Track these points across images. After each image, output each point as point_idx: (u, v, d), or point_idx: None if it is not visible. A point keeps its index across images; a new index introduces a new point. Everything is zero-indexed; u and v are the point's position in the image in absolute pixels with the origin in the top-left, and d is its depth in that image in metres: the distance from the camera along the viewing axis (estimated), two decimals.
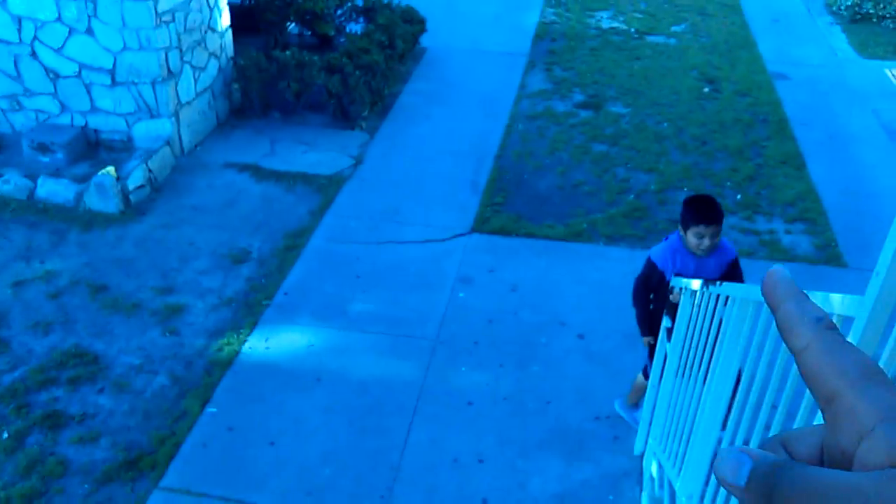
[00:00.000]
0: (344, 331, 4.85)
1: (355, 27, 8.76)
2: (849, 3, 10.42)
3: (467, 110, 7.83)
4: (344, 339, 4.80)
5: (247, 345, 4.68)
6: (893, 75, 8.72)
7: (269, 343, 4.71)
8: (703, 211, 3.36)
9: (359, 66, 7.27)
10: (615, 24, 10.11)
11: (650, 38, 9.69)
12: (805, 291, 0.40)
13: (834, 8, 10.69)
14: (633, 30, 9.95)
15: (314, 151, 6.93)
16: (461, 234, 5.90)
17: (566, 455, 3.99)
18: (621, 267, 5.56)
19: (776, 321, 0.40)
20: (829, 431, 0.36)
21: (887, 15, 10.11)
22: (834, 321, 0.38)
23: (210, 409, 4.22)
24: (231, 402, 4.29)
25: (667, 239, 3.66)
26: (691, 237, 3.40)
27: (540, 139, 7.30)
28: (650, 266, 3.61)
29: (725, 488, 0.35)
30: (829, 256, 5.63)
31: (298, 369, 4.53)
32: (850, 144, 7.27)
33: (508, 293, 5.23)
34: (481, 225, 6.00)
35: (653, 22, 10.21)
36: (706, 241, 3.35)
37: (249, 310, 4.97)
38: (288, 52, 7.18)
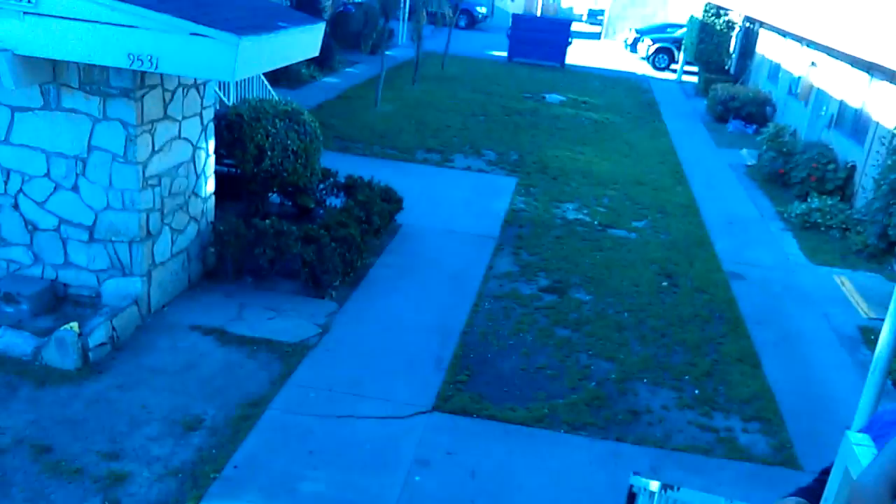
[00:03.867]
0: None
1: (335, 201, 9.15)
2: (798, 212, 11.18)
3: (436, 286, 8.03)
4: None
5: None
6: (841, 282, 9.20)
7: None
8: None
9: (335, 238, 7.51)
10: (580, 216, 10.67)
11: (612, 231, 10.21)
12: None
13: (785, 215, 11.44)
14: (596, 222, 10.50)
15: (282, 318, 6.98)
16: (422, 412, 5.84)
17: None
18: (582, 456, 5.51)
19: None
20: None
21: (833, 225, 10.84)
22: None
23: None
24: None
25: None
26: None
27: (505, 319, 7.46)
28: None
29: None
30: (784, 458, 5.65)
31: None
32: (803, 346, 7.52)
33: (467, 479, 5.11)
34: (443, 403, 5.97)
35: (615, 216, 10.81)
36: None
37: (195, 482, 4.77)
38: (267, 221, 7.42)
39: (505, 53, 25.28)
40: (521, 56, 24.70)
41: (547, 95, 19.38)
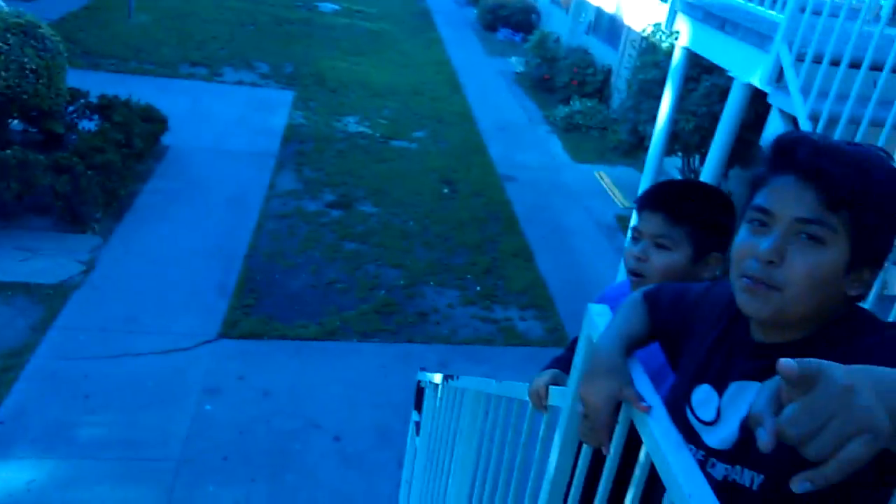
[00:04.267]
0: (72, 460, 4.32)
1: (89, 125, 8.23)
2: (562, 115, 11.93)
3: (214, 210, 7.63)
4: (72, 469, 4.26)
5: None
6: (601, 177, 10.06)
7: None
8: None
9: (91, 165, 6.80)
10: (361, 129, 10.58)
11: (394, 143, 10.27)
12: None
13: (551, 119, 12.17)
14: (378, 134, 10.48)
15: (38, 258, 6.28)
16: (207, 341, 5.62)
17: None
18: (374, 362, 5.65)
19: None
20: None
21: (593, 126, 11.73)
22: None
23: None
24: None
25: None
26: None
27: (291, 238, 7.30)
28: None
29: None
30: (557, 339, 6.20)
31: None
32: (569, 238, 8.18)
33: (260, 400, 5.04)
34: (230, 329, 5.78)
35: (396, 128, 10.85)
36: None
37: None
38: (9, 151, 6.52)
39: None
40: None
41: (320, 4, 18.68)
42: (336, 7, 18.74)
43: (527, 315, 6.52)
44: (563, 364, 1.89)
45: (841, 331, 1.04)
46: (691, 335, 1.25)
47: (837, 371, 0.66)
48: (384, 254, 7.23)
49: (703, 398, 1.17)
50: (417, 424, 3.54)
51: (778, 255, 1.02)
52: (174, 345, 5.50)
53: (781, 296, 1.02)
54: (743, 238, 1.08)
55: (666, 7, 8.59)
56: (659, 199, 1.67)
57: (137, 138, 7.76)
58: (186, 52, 12.83)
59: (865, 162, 1.00)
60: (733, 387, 1.12)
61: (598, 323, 1.36)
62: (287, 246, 7.14)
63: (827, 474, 0.64)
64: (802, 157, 1.03)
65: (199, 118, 9.97)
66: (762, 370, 1.07)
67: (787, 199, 1.03)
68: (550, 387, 1.66)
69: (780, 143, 1.07)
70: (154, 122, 8.40)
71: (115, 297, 5.95)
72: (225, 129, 9.81)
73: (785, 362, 0.66)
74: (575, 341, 2.15)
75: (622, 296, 1.76)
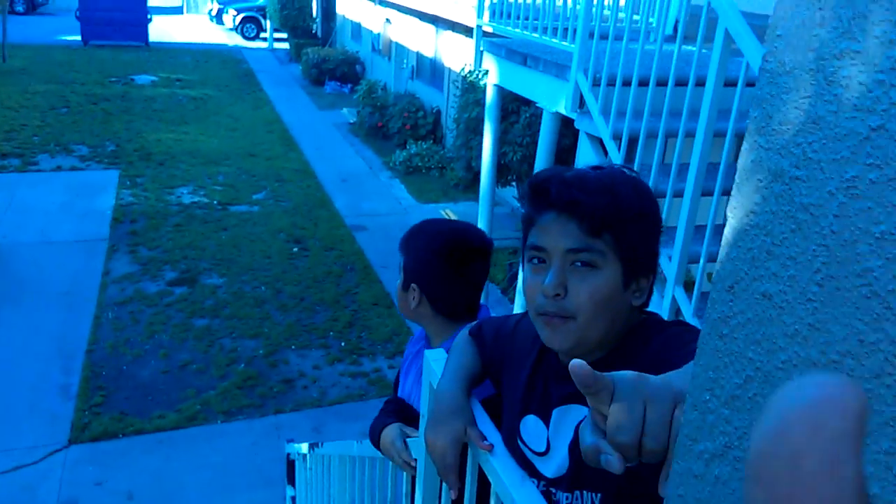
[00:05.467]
0: None
1: None
2: (401, 160, 12.16)
3: (45, 308, 7.07)
4: None
5: None
6: (447, 214, 10.30)
7: None
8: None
9: None
10: (196, 199, 10.25)
11: (233, 208, 10.02)
12: None
13: (390, 164, 12.36)
14: (215, 202, 10.19)
15: None
16: (57, 450, 5.17)
17: None
18: (244, 440, 5.41)
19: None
20: None
21: (432, 166, 12.03)
22: None
23: None
24: None
25: None
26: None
27: (135, 325, 6.89)
28: None
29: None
30: None
31: None
32: None
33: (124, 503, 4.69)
34: (80, 433, 5.35)
35: (234, 192, 10.60)
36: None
37: None
38: None
39: (79, 37, 22.77)
40: (98, 38, 22.48)
41: (136, 77, 18.03)
42: (153, 78, 18.17)
43: (395, 363, 6.50)
44: (393, 416, 1.92)
45: (636, 339, 1.13)
46: (511, 366, 1.31)
47: (621, 371, 0.71)
48: (238, 325, 6.99)
49: (532, 429, 1.22)
50: (293, 500, 3.42)
51: (561, 287, 1.10)
52: (19, 460, 5.01)
53: (577, 323, 1.10)
54: (527, 277, 1.15)
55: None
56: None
57: None
58: None
59: (611, 185, 1.11)
60: (556, 413, 1.18)
61: (436, 369, 1.40)
62: (131, 333, 6.74)
63: (671, 459, 0.65)
64: (555, 194, 1.11)
65: (16, 211, 9.28)
66: (577, 392, 1.14)
67: (554, 234, 1.11)
68: (408, 440, 1.67)
69: (534, 185, 1.16)
70: None
71: None
72: (47, 219, 9.18)
73: (575, 363, 0.68)
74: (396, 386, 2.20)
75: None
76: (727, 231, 0.50)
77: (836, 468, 0.28)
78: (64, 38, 23.74)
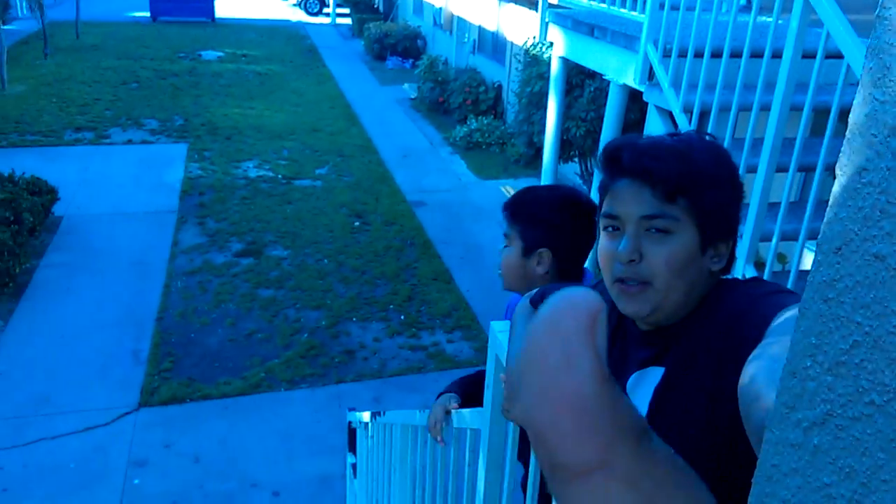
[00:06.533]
0: None
1: None
2: (461, 135, 12.12)
3: (117, 276, 7.35)
4: None
5: None
6: (507, 191, 10.24)
7: None
8: None
9: None
10: (262, 173, 10.45)
11: (297, 182, 10.17)
12: None
13: (451, 140, 12.34)
14: (280, 176, 10.37)
15: None
16: (128, 413, 5.39)
17: None
18: (306, 408, 5.54)
19: None
20: None
21: (492, 142, 11.96)
22: None
23: None
24: None
25: None
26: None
27: (203, 294, 7.10)
28: None
29: None
30: (486, 358, 6.24)
31: None
32: (485, 255, 8.28)
33: (191, 466, 4.86)
34: (150, 397, 5.56)
35: (297, 167, 10.77)
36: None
37: None
38: None
39: (148, 13, 23.35)
40: (166, 14, 23.03)
41: (203, 53, 18.41)
42: (220, 54, 18.51)
43: (454, 337, 6.54)
44: (467, 384, 1.95)
45: (710, 301, 1.11)
46: None
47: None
48: (302, 296, 7.13)
49: None
50: (354, 466, 3.49)
51: (635, 252, 1.09)
52: (93, 421, 5.25)
53: (654, 288, 1.09)
54: (603, 244, 1.14)
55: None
56: (505, 204, 1.94)
57: (26, 213, 7.41)
58: (69, 117, 12.39)
59: (685, 150, 1.09)
60: (633, 378, 1.17)
61: (502, 340, 1.39)
62: (199, 302, 6.94)
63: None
64: (627, 161, 1.10)
65: (90, 184, 9.63)
66: (655, 356, 1.13)
67: (628, 202, 1.10)
68: (456, 412, 1.70)
69: (607, 153, 1.15)
70: (43, 193, 8.05)
71: (25, 381, 5.64)
72: (119, 191, 9.50)
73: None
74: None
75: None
76: (835, 190, 0.47)
77: (573, 360, 0.33)
78: (133, 14, 24.37)
